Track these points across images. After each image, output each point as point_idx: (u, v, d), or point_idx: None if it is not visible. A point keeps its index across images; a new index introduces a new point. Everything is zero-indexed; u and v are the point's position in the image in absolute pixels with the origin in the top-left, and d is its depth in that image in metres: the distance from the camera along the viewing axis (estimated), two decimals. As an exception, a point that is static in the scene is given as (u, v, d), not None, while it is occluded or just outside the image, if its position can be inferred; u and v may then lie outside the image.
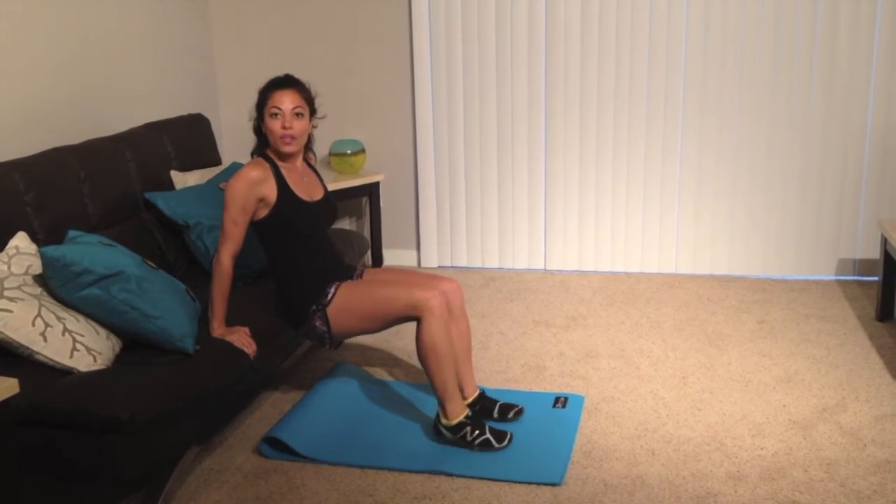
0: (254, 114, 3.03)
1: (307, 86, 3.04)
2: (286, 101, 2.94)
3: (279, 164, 3.00)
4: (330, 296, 2.99)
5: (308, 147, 3.15)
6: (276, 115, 2.94)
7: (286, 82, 2.99)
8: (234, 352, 2.83)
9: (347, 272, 3.16)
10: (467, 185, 4.90)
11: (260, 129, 3.02)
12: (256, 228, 3.00)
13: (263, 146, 3.03)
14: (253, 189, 2.90)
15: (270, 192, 2.94)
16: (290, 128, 2.94)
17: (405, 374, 3.59)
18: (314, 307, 3.00)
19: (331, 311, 2.98)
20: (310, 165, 3.20)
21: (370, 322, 2.99)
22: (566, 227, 4.85)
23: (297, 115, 2.96)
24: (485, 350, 3.80)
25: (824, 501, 2.62)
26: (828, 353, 3.68)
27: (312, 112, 3.05)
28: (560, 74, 4.65)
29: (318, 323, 3.01)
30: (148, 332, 2.68)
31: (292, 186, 2.99)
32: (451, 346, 2.91)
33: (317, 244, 3.08)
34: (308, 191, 3.06)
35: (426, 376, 2.94)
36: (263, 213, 2.95)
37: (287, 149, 2.97)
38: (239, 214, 2.91)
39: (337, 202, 3.29)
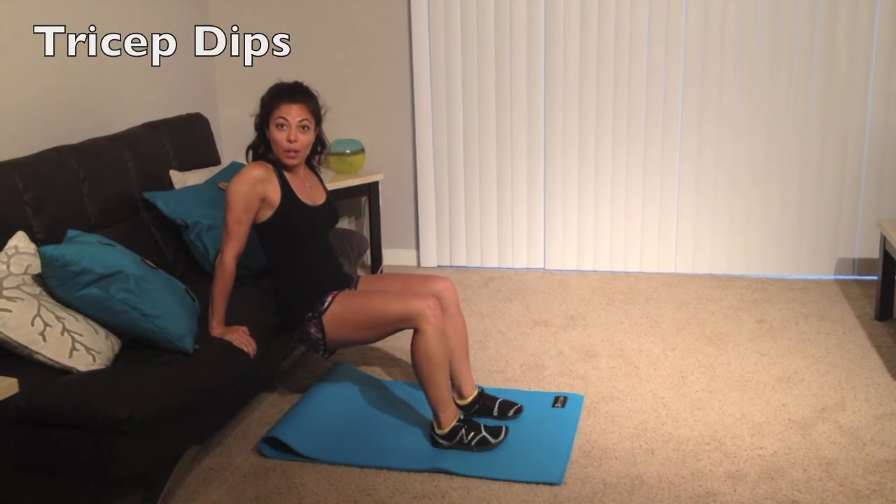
0: (256, 110, 3.00)
1: (316, 96, 3.00)
2: (293, 114, 2.90)
3: (283, 167, 2.99)
4: (327, 304, 2.98)
5: (318, 152, 3.13)
6: (281, 126, 2.90)
7: (294, 94, 2.92)
8: (234, 351, 2.83)
9: (346, 281, 3.16)
10: (466, 184, 4.90)
11: (263, 131, 3.00)
12: (258, 231, 3.00)
13: (265, 149, 3.00)
14: (256, 188, 2.89)
15: (274, 192, 2.93)
16: (295, 141, 2.91)
17: (403, 373, 3.59)
18: (310, 314, 3.00)
19: (326, 319, 2.97)
20: (313, 169, 3.20)
21: (365, 332, 2.99)
22: (565, 227, 4.85)
23: (303, 128, 2.93)
24: (484, 350, 3.80)
25: (823, 501, 2.62)
26: (827, 353, 3.68)
27: (319, 123, 3.02)
28: (559, 73, 4.65)
29: (312, 330, 3.00)
30: (147, 331, 2.67)
31: (295, 190, 2.99)
32: (445, 354, 2.91)
33: (317, 249, 3.07)
34: (310, 195, 3.06)
35: (420, 385, 2.94)
36: (266, 214, 2.95)
37: (290, 162, 2.96)
38: (243, 214, 2.90)
39: (336, 202, 3.29)
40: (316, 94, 3.01)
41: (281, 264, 3.03)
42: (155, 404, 2.40)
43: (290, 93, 2.93)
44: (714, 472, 2.79)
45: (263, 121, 2.96)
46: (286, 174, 2.99)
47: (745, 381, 3.44)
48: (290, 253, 3.01)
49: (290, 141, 2.91)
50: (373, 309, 2.93)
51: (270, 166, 2.95)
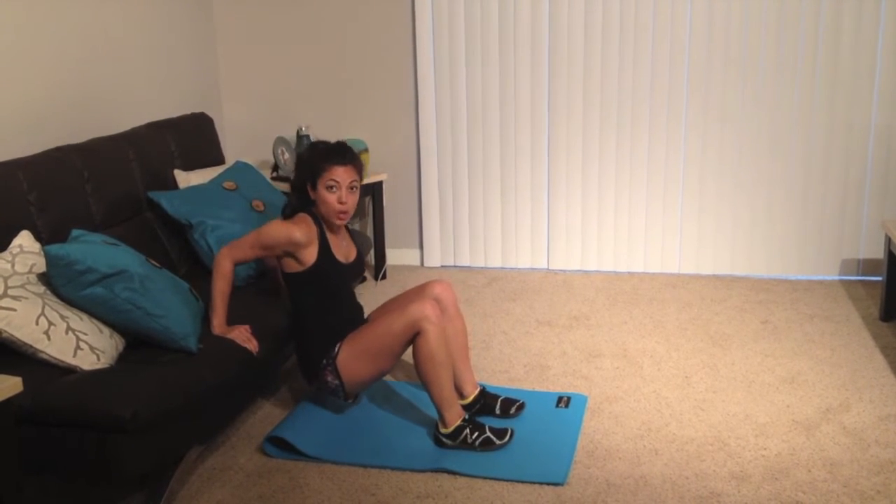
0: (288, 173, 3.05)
1: (359, 158, 3.08)
2: (344, 175, 2.98)
3: (325, 225, 3.04)
4: (337, 349, 3.02)
5: None
6: (332, 188, 2.97)
7: (345, 157, 3.00)
8: (238, 350, 2.84)
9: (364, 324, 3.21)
10: (470, 184, 4.89)
11: (303, 188, 3.03)
12: (289, 279, 3.05)
13: (308, 204, 3.04)
14: (288, 245, 2.95)
15: (309, 255, 2.98)
16: (346, 203, 2.99)
17: (407, 375, 3.59)
18: (324, 361, 3.03)
19: (340, 362, 3.01)
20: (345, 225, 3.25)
21: (378, 360, 3.01)
22: (569, 227, 4.85)
23: (352, 189, 3.01)
24: (487, 350, 3.80)
25: (827, 502, 2.62)
26: (831, 354, 3.68)
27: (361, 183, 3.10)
28: (563, 73, 4.64)
29: (329, 377, 3.04)
30: (151, 330, 2.68)
31: (333, 249, 3.04)
32: (448, 353, 2.93)
33: (342, 301, 3.13)
34: (345, 253, 3.12)
35: (423, 386, 2.95)
36: (297, 268, 3.00)
37: (339, 223, 3.03)
38: (261, 249, 2.98)
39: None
40: (358, 155, 3.07)
41: (305, 313, 3.07)
42: (158, 404, 2.40)
43: (341, 154, 3.00)
44: (718, 473, 2.79)
45: (311, 180, 3.00)
46: (327, 233, 3.05)
47: (749, 381, 3.44)
48: (318, 304, 3.06)
49: (341, 203, 2.98)
50: (378, 333, 2.97)
51: (315, 229, 3.00)
